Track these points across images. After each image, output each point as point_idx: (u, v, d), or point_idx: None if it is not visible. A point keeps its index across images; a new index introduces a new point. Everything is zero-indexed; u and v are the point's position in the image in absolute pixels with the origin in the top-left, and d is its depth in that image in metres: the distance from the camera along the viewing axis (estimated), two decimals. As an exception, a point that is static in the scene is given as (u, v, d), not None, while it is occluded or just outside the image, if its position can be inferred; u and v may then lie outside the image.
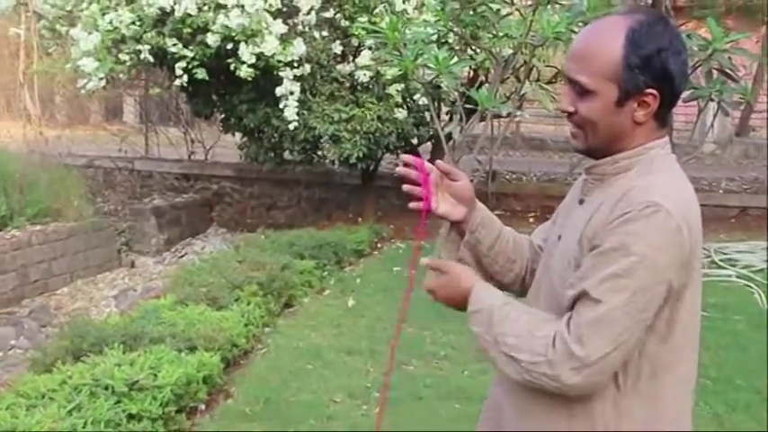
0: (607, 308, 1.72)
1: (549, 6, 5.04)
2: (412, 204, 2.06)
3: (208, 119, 11.08)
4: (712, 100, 4.87)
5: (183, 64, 8.56)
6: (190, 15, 8.28)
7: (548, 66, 8.76)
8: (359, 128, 8.84)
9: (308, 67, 8.65)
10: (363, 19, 8.52)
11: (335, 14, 8.93)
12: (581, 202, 1.94)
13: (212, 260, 7.57)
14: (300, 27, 8.71)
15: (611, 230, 1.75)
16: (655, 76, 1.80)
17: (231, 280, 6.48)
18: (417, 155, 12.78)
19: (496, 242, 2.13)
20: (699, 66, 4.84)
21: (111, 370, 4.39)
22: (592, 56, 1.82)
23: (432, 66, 4.83)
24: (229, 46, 8.33)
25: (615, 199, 1.80)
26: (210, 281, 6.45)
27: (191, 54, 8.49)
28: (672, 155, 1.91)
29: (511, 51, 5.73)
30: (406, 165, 2.06)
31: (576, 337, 1.73)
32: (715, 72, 4.81)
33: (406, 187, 2.05)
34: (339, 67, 9.10)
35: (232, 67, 8.43)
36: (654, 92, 1.81)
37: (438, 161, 2.09)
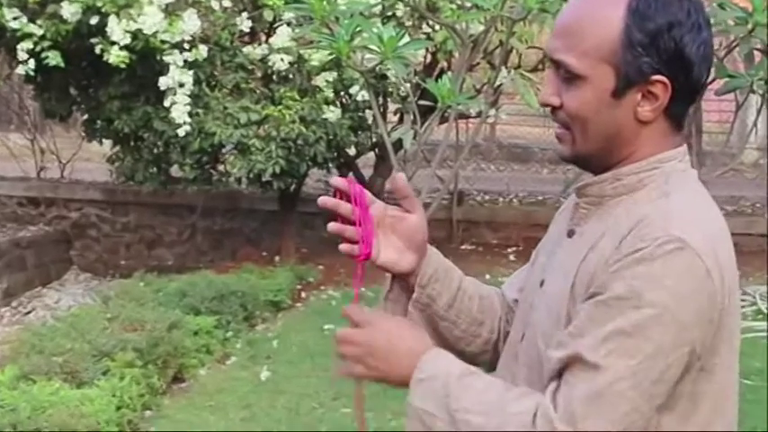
0: (609, 378, 1.71)
1: (532, -33, 5.10)
2: (343, 247, 2.04)
3: (64, 121, 10.95)
4: (754, 92, 4.94)
5: (28, 45, 8.47)
6: (38, -22, 8.24)
7: (531, 47, 8.85)
8: (275, 133, 8.83)
9: (203, 50, 8.63)
10: (280, -17, 8.54)
11: (241, -23, 8.94)
12: (570, 234, 1.95)
13: (71, 318, 7.47)
14: (193, -6, 8.70)
15: (616, 273, 1.75)
16: (665, 58, 1.82)
17: (98, 345, 6.39)
18: (355, 170, 12.89)
19: (456, 299, 2.12)
20: (736, 46, 4.92)
21: None
22: (582, 30, 1.84)
23: (374, 48, 4.85)
24: (94, 20, 8.26)
25: (621, 231, 1.81)
26: (68, 347, 6.35)
27: (39, 31, 8.41)
28: (692, 170, 1.94)
29: (482, 28, 5.78)
30: (335, 192, 2.03)
31: (567, 416, 1.72)
32: (758, 54, 4.90)
33: (332, 227, 2.02)
34: (247, 49, 9.09)
35: (98, 49, 8.35)
36: (663, 79, 1.83)
37: (398, 177, 2.04)
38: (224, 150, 9.29)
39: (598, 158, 1.90)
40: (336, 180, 2.04)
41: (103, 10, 8.16)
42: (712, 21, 4.72)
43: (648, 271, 1.73)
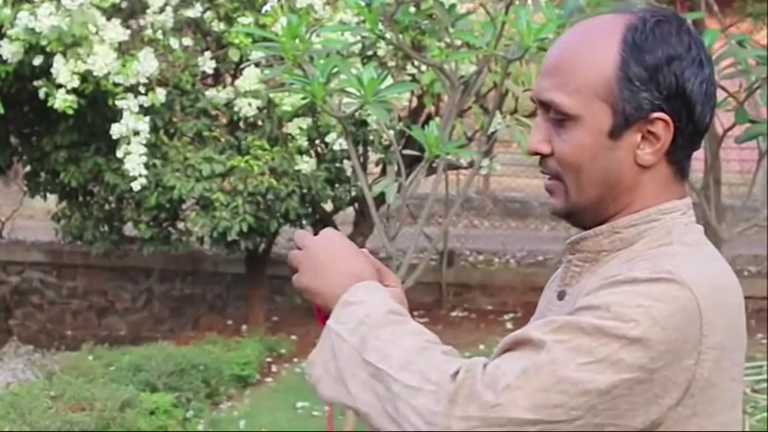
0: (553, 358, 1.67)
1: (529, 1, 5.14)
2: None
3: (4, 173, 10.95)
4: (777, 140, 4.98)
5: (-36, 89, 8.50)
6: (-25, 13, 8.26)
7: (528, 90, 8.89)
8: (241, 187, 8.84)
9: (161, 94, 8.65)
10: (247, 20, 8.58)
11: (204, 13, 8.98)
12: (561, 296, 1.95)
13: (10, 396, 7.39)
14: (149, 32, 8.73)
15: (592, 292, 1.75)
16: (665, 94, 1.83)
17: (40, 428, 6.35)
18: (333, 227, 12.92)
19: None
20: (757, 88, 4.95)
21: None
22: (573, 66, 1.85)
23: (353, 91, 4.86)
24: (37, 60, 8.29)
25: (612, 273, 1.80)
26: (6, 429, 6.31)
27: (-23, 73, 8.43)
28: (697, 225, 1.93)
29: (473, 69, 5.81)
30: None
31: (492, 380, 1.68)
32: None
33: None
34: (210, 93, 9.11)
35: (42, 93, 8.37)
36: (664, 117, 1.83)
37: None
38: (184, 206, 9.28)
39: (594, 211, 1.89)
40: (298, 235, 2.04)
41: (48, 49, 8.18)
42: (731, 60, 4.77)
43: (627, 290, 1.71)
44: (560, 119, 1.85)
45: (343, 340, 1.81)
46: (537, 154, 1.90)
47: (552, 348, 1.67)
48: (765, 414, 7.76)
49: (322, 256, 1.93)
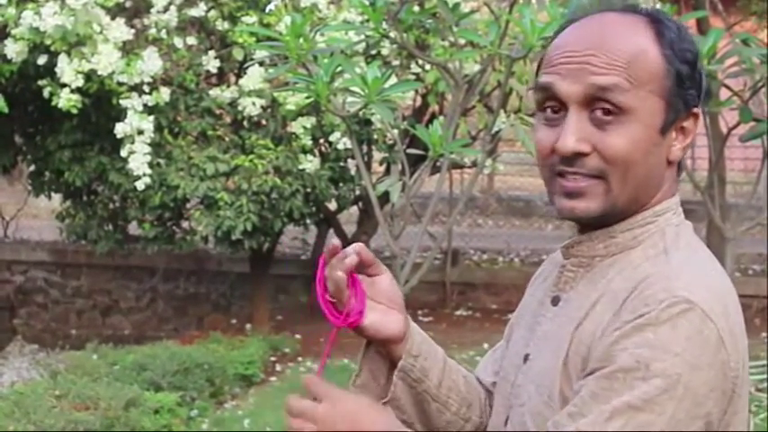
0: None
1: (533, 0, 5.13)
2: (336, 319, 1.97)
3: (8, 173, 10.96)
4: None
5: (-32, 88, 8.50)
6: (-21, 13, 8.27)
7: (533, 89, 8.91)
8: (245, 186, 8.83)
9: (165, 93, 8.65)
10: (251, 19, 8.58)
11: (208, 12, 8.98)
12: (555, 301, 1.94)
13: (14, 395, 7.39)
14: (153, 31, 8.73)
15: (618, 343, 1.73)
16: (700, 90, 1.88)
17: (44, 427, 6.34)
18: (336, 226, 12.83)
19: (444, 375, 2.08)
20: (762, 87, 4.95)
21: None
22: (624, 57, 1.82)
23: (357, 90, 4.86)
24: (42, 60, 8.30)
25: (619, 296, 1.79)
26: (10, 429, 6.31)
27: (-19, 73, 8.43)
28: (687, 222, 1.93)
29: (477, 67, 5.81)
30: (332, 252, 1.96)
31: None
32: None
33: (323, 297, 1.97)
34: (214, 92, 9.11)
35: (46, 92, 8.38)
36: (698, 111, 1.89)
37: (358, 247, 1.97)
38: (188, 205, 9.28)
39: (626, 209, 1.87)
40: (334, 246, 1.97)
41: (53, 48, 8.18)
42: (735, 59, 4.77)
43: (655, 338, 1.71)
44: (611, 112, 1.81)
45: None
46: (577, 154, 1.82)
47: None
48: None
49: (343, 423, 1.81)
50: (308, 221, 9.91)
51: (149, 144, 8.60)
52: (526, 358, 1.94)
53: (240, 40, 8.69)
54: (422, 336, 2.07)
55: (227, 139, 9.11)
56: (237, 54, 8.94)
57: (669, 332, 1.71)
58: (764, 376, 8.33)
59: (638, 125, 1.81)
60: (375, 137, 9.44)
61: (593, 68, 1.81)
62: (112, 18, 8.35)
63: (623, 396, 1.69)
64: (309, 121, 9.01)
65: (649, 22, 1.85)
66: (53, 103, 8.36)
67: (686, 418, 1.70)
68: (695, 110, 1.87)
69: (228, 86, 9.17)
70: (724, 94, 4.99)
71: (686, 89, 1.84)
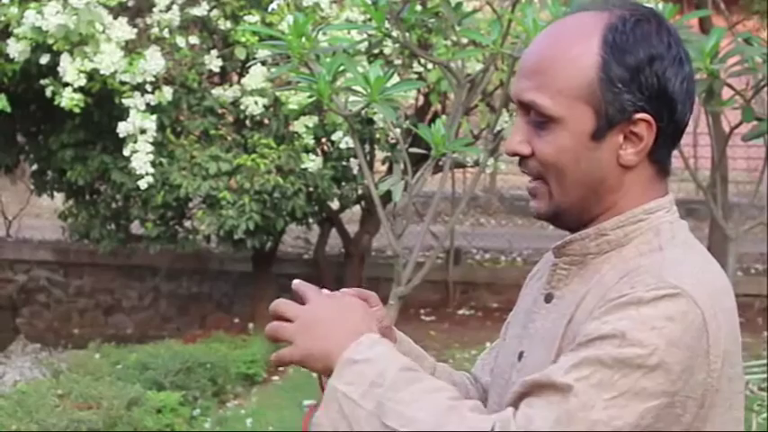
0: (583, 402, 1.68)
1: (535, -1, 5.14)
2: None
3: (11, 172, 10.96)
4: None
5: (-29, 88, 8.50)
6: (-19, 12, 8.27)
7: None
8: (248, 185, 8.83)
9: (168, 92, 8.65)
10: (253, 18, 8.58)
11: (210, 11, 8.98)
12: (549, 298, 1.95)
13: (17, 395, 7.37)
14: (156, 30, 8.73)
15: (599, 318, 1.74)
16: (647, 94, 1.84)
17: (47, 426, 6.34)
18: (339, 226, 12.79)
19: None
20: (764, 86, 4.95)
21: None
22: (554, 68, 1.85)
23: (359, 89, 4.86)
24: (44, 59, 8.30)
25: (607, 284, 1.80)
26: (13, 428, 6.30)
27: (-17, 72, 8.43)
28: (682, 222, 1.94)
29: (480, 66, 5.81)
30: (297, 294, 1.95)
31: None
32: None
33: None
34: (217, 91, 9.11)
35: (49, 91, 8.38)
36: (647, 117, 1.84)
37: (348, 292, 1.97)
38: (191, 205, 9.28)
39: (579, 213, 1.90)
40: (297, 284, 1.95)
41: (55, 48, 8.18)
42: (737, 58, 4.77)
43: (637, 314, 1.71)
44: (541, 120, 1.85)
45: (356, 405, 1.76)
46: (516, 155, 1.90)
47: (579, 391, 1.68)
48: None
49: (311, 321, 1.85)
50: (310, 221, 9.91)
51: (152, 143, 8.61)
52: (521, 356, 1.95)
53: (243, 40, 8.69)
54: (409, 345, 2.10)
55: (229, 138, 9.10)
56: (240, 53, 8.94)
57: (652, 310, 1.72)
58: (765, 376, 8.33)
59: (566, 132, 1.85)
60: (377, 136, 9.44)
61: (523, 81, 1.88)
62: (115, 17, 8.35)
63: (595, 352, 1.70)
64: (312, 121, 9.00)
65: (603, 27, 1.85)
66: (56, 103, 8.36)
67: (652, 388, 1.70)
68: (641, 115, 1.83)
69: (231, 86, 9.17)
70: (726, 93, 4.98)
71: (621, 93, 1.82)
